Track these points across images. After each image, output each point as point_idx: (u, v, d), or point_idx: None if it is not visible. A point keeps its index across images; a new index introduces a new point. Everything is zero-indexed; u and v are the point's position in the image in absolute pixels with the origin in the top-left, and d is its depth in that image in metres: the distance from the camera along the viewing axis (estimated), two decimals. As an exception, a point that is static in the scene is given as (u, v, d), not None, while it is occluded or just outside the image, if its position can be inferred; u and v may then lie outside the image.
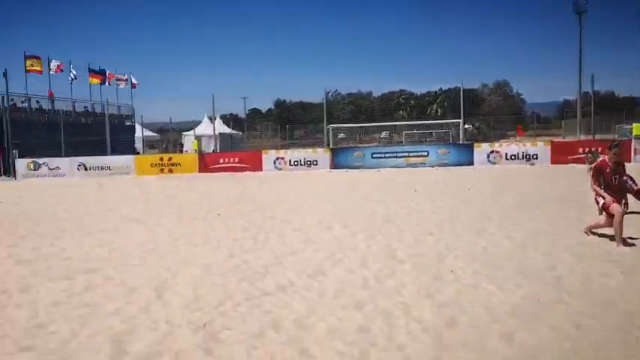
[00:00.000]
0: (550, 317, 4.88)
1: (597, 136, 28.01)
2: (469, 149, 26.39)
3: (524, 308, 5.13)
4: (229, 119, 60.72)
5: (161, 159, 28.74)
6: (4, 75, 32.19)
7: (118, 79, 44.87)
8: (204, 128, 47.50)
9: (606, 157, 7.97)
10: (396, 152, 27.52)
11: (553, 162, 24.49)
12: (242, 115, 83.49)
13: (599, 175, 7.90)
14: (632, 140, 24.55)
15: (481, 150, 25.95)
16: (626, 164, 8.72)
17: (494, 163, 25.25)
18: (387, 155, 27.08)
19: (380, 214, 11.27)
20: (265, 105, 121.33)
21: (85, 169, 27.94)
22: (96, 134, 33.89)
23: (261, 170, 26.80)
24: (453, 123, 43.24)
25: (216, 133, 36.69)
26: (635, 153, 23.52)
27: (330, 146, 32.01)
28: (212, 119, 39.08)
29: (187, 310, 5.43)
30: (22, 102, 37.34)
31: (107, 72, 43.89)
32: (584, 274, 6.18)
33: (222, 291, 6.02)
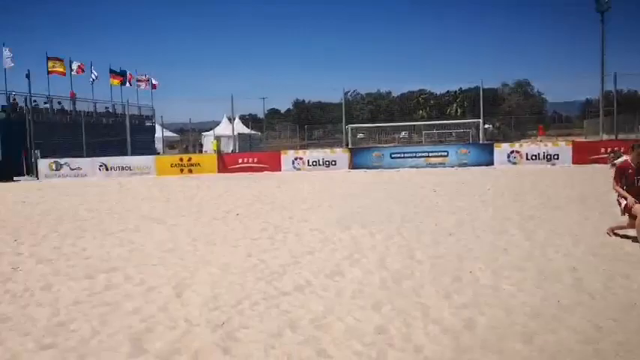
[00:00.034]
0: (571, 319, 4.82)
1: (620, 136, 27.58)
2: (489, 149, 26.18)
3: (544, 310, 5.08)
4: (248, 119, 61.02)
5: (181, 159, 28.94)
6: (27, 76, 32.71)
7: (138, 80, 45.34)
8: (224, 128, 47.81)
9: (629, 158, 7.85)
10: (416, 152, 27.39)
11: (575, 162, 24.19)
12: (261, 115, 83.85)
13: (622, 176, 7.80)
14: (656, 140, 24.15)
15: (501, 150, 25.72)
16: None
17: (515, 163, 25.02)
18: (406, 155, 26.97)
19: (399, 214, 11.23)
20: (284, 105, 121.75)
21: (106, 169, 28.23)
22: (116, 135, 34.22)
23: (280, 170, 26.85)
24: (473, 123, 43.01)
25: (235, 133, 36.85)
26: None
27: (349, 146, 31.97)
28: (231, 119, 39.29)
29: (206, 308, 5.45)
30: (45, 103, 37.93)
31: (128, 72, 44.36)
32: (606, 276, 6.10)
33: (240, 290, 6.04)
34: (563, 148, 25.18)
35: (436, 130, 55.45)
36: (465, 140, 45.67)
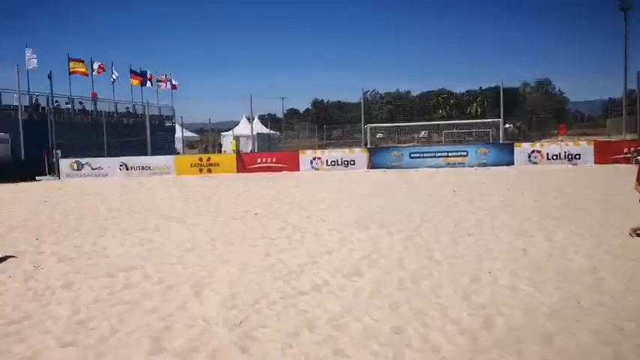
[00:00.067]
0: (591, 320, 4.76)
1: (643, 136, 27.13)
2: (509, 149, 25.95)
3: (563, 311, 5.02)
4: (267, 119, 61.20)
5: (200, 159, 29.11)
6: (49, 77, 33.15)
7: (158, 81, 45.72)
8: (243, 128, 48.03)
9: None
10: (435, 152, 27.26)
11: (597, 162, 23.90)
12: (280, 115, 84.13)
13: (644, 176, 7.67)
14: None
15: (522, 150, 25.48)
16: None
17: (535, 163, 24.78)
18: (425, 155, 26.84)
19: (417, 214, 11.19)
20: (303, 105, 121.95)
21: (127, 168, 28.50)
22: (137, 135, 34.58)
23: (298, 170, 26.88)
24: (493, 122, 42.63)
25: (254, 133, 37.01)
26: (682, 153, 22.78)
27: (368, 146, 31.91)
28: (250, 119, 39.45)
29: (223, 307, 5.48)
30: (67, 103, 38.44)
31: (148, 73, 44.76)
32: (627, 277, 6.02)
33: (257, 289, 6.07)
34: (584, 147, 24.89)
35: (456, 129, 55.14)
36: (485, 140, 45.33)
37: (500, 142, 31.48)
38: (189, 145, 51.07)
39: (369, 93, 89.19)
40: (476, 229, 9.28)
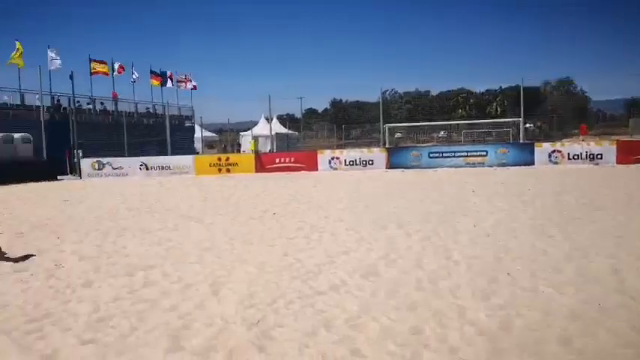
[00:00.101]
0: (612, 322, 4.70)
1: (667, 135, 26.79)
2: (529, 149, 25.73)
3: (584, 312, 4.96)
4: (286, 119, 61.26)
5: (219, 159, 29.27)
6: (70, 77, 33.57)
7: (178, 81, 46.04)
8: (261, 128, 48.16)
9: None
10: (454, 152, 27.12)
11: (619, 162, 23.61)
12: (298, 115, 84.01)
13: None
14: None
15: (542, 149, 25.25)
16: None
17: (556, 163, 24.54)
18: (444, 155, 26.72)
19: (436, 214, 11.14)
20: (321, 105, 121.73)
21: (147, 168, 28.75)
22: (157, 134, 34.87)
23: (317, 170, 26.90)
24: (514, 122, 42.25)
25: (273, 133, 37.11)
26: None
27: (387, 146, 31.82)
28: (269, 119, 39.55)
29: (241, 306, 5.50)
30: (88, 104, 38.90)
31: (168, 73, 45.11)
32: (650, 279, 5.93)
33: (275, 289, 6.08)
34: (606, 147, 24.59)
35: (475, 129, 54.75)
36: (506, 140, 44.95)
37: (521, 141, 31.22)
38: (209, 144, 51.35)
39: (387, 93, 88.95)
40: (495, 229, 9.21)
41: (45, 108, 32.87)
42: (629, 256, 6.92)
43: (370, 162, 26.86)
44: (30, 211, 14.46)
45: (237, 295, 5.92)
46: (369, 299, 5.62)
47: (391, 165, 26.48)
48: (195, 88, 48.30)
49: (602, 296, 5.38)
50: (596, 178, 18.17)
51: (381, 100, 35.35)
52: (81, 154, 29.59)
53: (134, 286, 6.45)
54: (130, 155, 30.23)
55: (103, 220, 12.17)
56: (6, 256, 8.10)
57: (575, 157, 24.56)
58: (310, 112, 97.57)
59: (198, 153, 38.89)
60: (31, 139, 28.95)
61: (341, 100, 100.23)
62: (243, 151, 41.94)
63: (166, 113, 35.06)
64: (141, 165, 28.84)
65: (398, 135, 53.71)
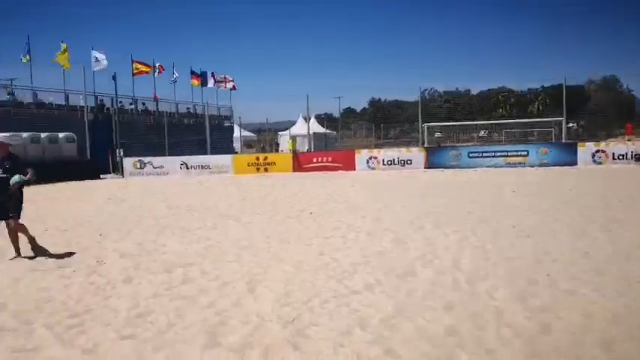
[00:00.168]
0: (655, 327, 4.57)
1: None
2: (572, 149, 25.19)
3: (625, 316, 4.84)
4: (324, 119, 61.33)
5: (257, 158, 29.52)
6: (113, 78, 34.22)
7: (218, 82, 46.57)
8: (299, 128, 48.39)
9: None
10: (494, 151, 26.74)
11: (666, 162, 22.91)
12: (336, 114, 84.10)
13: None
14: None
15: (585, 149, 24.69)
16: None
17: (600, 164, 23.96)
18: (484, 154, 26.37)
19: (475, 214, 11.01)
20: (360, 104, 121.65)
21: (187, 167, 29.17)
22: (197, 134, 35.36)
23: (354, 169, 26.85)
24: (556, 121, 41.33)
25: (311, 132, 37.19)
26: None
27: (426, 145, 31.57)
28: (307, 119, 39.68)
29: (277, 305, 5.55)
30: (130, 104, 39.69)
31: (209, 73, 45.67)
32: (697, 283, 5.74)
33: (311, 288, 6.11)
34: (653, 147, 23.88)
35: (516, 128, 53.82)
36: (548, 139, 44.09)
37: (563, 141, 30.58)
38: (247, 144, 51.86)
39: (427, 92, 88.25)
40: (535, 230, 9.05)
41: (89, 108, 33.66)
42: (675, 259, 6.72)
43: (408, 162, 26.68)
44: (73, 209, 14.84)
45: (273, 293, 5.97)
46: (404, 299, 5.59)
47: (430, 165, 26.26)
48: (234, 88, 48.81)
49: (645, 300, 5.23)
50: (641, 178, 17.67)
51: (419, 99, 35.03)
52: (122, 153, 30.23)
53: (173, 283, 6.57)
54: (170, 154, 30.76)
55: (144, 218, 12.41)
56: (49, 252, 8.33)
57: (620, 157, 23.94)
58: (348, 112, 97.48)
59: (236, 152, 39.27)
60: (75, 138, 29.65)
61: (379, 100, 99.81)
62: (281, 151, 42.20)
63: (206, 113, 35.50)
64: (181, 164, 29.29)
65: (437, 134, 53.17)
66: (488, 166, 25.14)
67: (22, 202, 8.13)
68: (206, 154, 31.41)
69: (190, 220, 11.75)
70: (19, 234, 8.16)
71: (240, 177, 26.33)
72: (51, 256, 8.22)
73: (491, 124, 57.03)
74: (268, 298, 5.81)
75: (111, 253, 8.43)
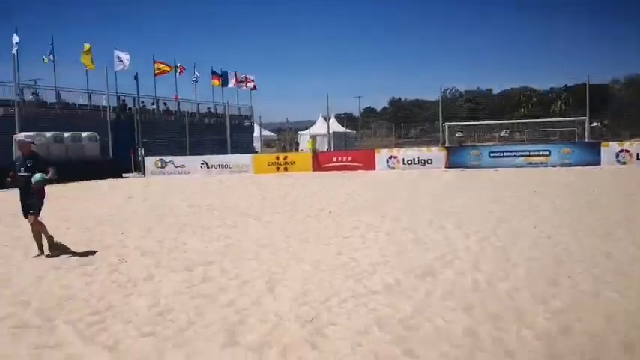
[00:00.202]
0: (679, 330, 4.50)
1: None
2: (595, 148, 24.85)
3: (649, 318, 4.77)
4: (344, 118, 61.30)
5: (277, 158, 29.61)
6: (135, 78, 34.60)
7: (239, 82, 46.77)
8: (319, 127, 48.41)
9: None
10: (516, 151, 26.49)
11: (692, 162, 22.50)
12: (356, 114, 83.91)
13: None
14: None
15: (609, 149, 24.33)
16: None
17: (624, 164, 23.60)
18: (505, 154, 26.13)
19: (495, 215, 10.92)
20: (380, 103, 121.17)
21: (207, 167, 29.35)
22: (217, 134, 35.58)
23: (374, 169, 26.79)
24: (579, 121, 40.82)
25: (331, 132, 37.18)
26: None
27: (446, 145, 31.38)
28: (326, 119, 39.68)
29: (296, 304, 5.57)
30: (152, 104, 40.04)
31: (229, 73, 45.87)
32: None
33: (329, 287, 6.11)
34: (679, 147, 23.47)
35: (539, 128, 53.26)
36: (570, 139, 43.57)
37: (586, 141, 30.20)
38: (267, 144, 52.06)
39: (448, 91, 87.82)
40: (556, 231, 8.96)
41: (111, 108, 34.04)
42: (700, 261, 6.61)
43: (429, 161, 26.54)
44: (96, 207, 15.02)
45: (291, 292, 5.99)
46: (423, 299, 5.57)
47: (450, 164, 26.09)
48: (255, 88, 49.01)
49: (669, 302, 5.16)
50: (666, 179, 17.39)
51: (440, 98, 34.88)
52: (143, 153, 30.52)
53: (193, 281, 6.62)
54: (191, 154, 31.00)
55: (165, 216, 12.52)
56: (70, 250, 8.44)
57: (646, 156, 23.55)
58: (368, 111, 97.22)
59: (257, 152, 39.46)
60: (98, 138, 30.01)
61: (400, 99, 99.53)
62: (301, 150, 42.26)
63: (227, 113, 35.71)
64: (202, 163, 29.49)
65: (458, 134, 52.82)
66: (509, 166, 24.89)
67: (43, 201, 8.26)
68: (226, 153, 31.61)
69: (211, 219, 11.83)
70: (38, 231, 8.27)
71: (259, 176, 26.42)
72: (73, 254, 8.35)
73: (513, 123, 56.53)
74: (287, 297, 5.84)
75: (132, 251, 8.53)
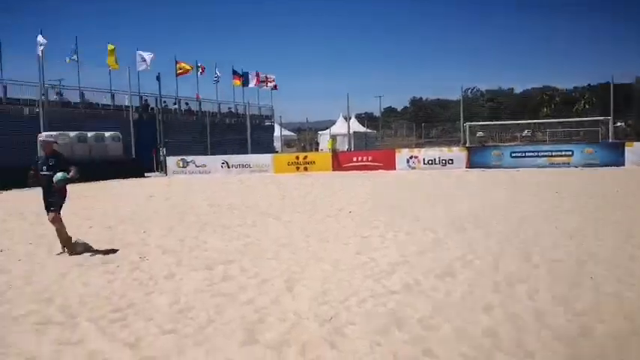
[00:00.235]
0: (703, 333, 4.43)
1: None
2: (619, 149, 24.50)
3: (672, 321, 4.70)
4: (364, 118, 61.19)
5: (297, 157, 29.67)
6: (157, 78, 34.90)
7: (260, 82, 46.93)
8: (339, 127, 48.43)
9: None
10: (537, 151, 26.22)
11: None
12: (377, 113, 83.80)
13: None
14: None
15: (633, 149, 23.95)
16: None
17: (649, 164, 23.23)
18: (527, 154, 25.89)
19: (516, 215, 10.83)
20: (401, 103, 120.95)
21: (228, 166, 29.54)
22: (238, 134, 35.78)
23: (394, 169, 26.70)
24: (602, 121, 40.27)
25: (351, 132, 37.15)
26: None
27: (467, 145, 31.17)
28: (347, 118, 39.66)
29: (315, 303, 5.58)
30: (174, 104, 40.39)
31: (250, 73, 46.05)
32: None
33: (348, 287, 6.12)
34: None
35: (561, 128, 52.69)
36: (594, 139, 43.01)
37: (609, 141, 29.78)
38: (287, 143, 52.18)
39: (469, 91, 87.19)
40: (579, 231, 8.86)
41: (134, 108, 34.38)
42: None
43: (450, 161, 26.39)
44: (118, 206, 15.19)
45: (311, 291, 6.01)
46: (443, 300, 5.56)
47: (472, 164, 25.91)
48: (275, 87, 49.12)
49: (693, 305, 5.08)
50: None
51: (461, 98, 34.62)
52: (165, 152, 30.80)
53: (213, 280, 6.67)
54: (212, 153, 31.23)
55: (186, 215, 12.62)
56: (93, 248, 8.56)
57: (671, 157, 23.16)
58: (389, 111, 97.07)
59: (277, 152, 39.56)
60: (121, 137, 30.34)
61: (421, 98, 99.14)
62: (321, 150, 42.31)
63: (247, 113, 35.86)
64: (222, 163, 29.68)
65: (479, 134, 52.44)
66: (531, 167, 24.66)
67: (64, 199, 8.37)
68: (247, 153, 31.78)
69: (231, 218, 11.90)
70: (58, 229, 8.37)
71: (279, 176, 26.49)
72: (95, 252, 8.45)
73: (535, 123, 55.97)
74: (306, 296, 5.86)
75: (153, 250, 8.61)
